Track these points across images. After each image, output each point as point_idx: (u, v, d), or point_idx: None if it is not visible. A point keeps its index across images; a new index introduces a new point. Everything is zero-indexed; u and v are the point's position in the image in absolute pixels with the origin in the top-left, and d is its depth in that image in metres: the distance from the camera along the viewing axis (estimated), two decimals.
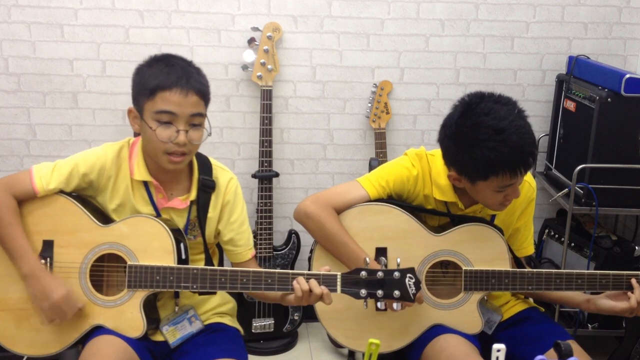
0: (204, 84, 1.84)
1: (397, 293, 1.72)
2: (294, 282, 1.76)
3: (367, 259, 1.76)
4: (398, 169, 1.99)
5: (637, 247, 2.78)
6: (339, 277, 1.75)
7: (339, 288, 1.75)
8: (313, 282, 1.75)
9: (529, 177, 2.03)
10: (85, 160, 1.85)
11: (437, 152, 1.98)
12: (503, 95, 1.85)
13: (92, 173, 1.85)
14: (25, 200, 1.84)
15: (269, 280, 1.78)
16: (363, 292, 1.72)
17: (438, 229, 1.97)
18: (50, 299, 1.75)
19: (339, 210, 1.95)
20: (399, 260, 1.76)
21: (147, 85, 1.77)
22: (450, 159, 1.88)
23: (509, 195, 1.86)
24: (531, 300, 2.18)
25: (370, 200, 1.96)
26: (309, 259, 2.01)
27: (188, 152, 1.82)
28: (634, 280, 1.89)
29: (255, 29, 2.92)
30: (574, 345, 1.84)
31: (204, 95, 1.83)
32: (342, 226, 1.93)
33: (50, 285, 1.76)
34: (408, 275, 1.72)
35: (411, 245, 1.93)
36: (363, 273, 1.72)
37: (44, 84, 2.96)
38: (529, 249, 2.10)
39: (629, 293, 1.89)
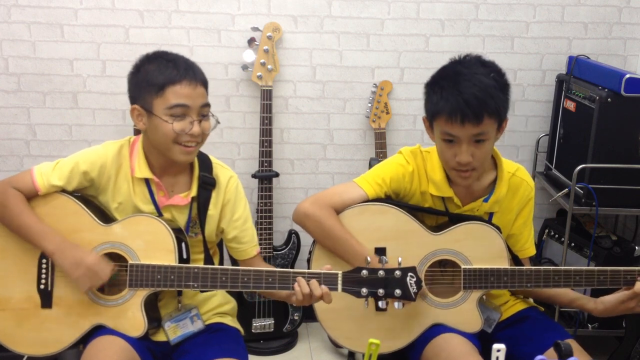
0: (204, 75, 1.88)
1: (398, 292, 1.72)
2: (295, 285, 1.76)
3: (369, 258, 1.76)
4: (393, 167, 2.00)
5: (637, 247, 2.79)
6: (340, 275, 1.75)
7: (339, 287, 1.75)
8: (314, 283, 1.75)
9: (526, 177, 2.03)
10: (86, 159, 1.86)
11: (433, 148, 1.99)
12: (492, 61, 1.90)
13: (93, 171, 1.86)
14: (27, 198, 1.84)
15: (270, 279, 1.78)
16: (364, 290, 1.72)
17: (436, 229, 1.97)
18: (84, 265, 1.76)
19: (338, 210, 1.95)
20: (400, 259, 1.76)
21: (153, 82, 1.78)
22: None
23: (458, 155, 1.85)
24: (531, 299, 2.18)
25: (368, 200, 1.96)
26: (308, 260, 2.01)
27: (200, 142, 1.85)
28: None
29: (255, 29, 2.92)
30: (573, 344, 1.84)
31: (207, 86, 1.88)
32: (342, 224, 1.93)
33: (79, 253, 1.78)
34: (409, 274, 1.72)
35: (410, 245, 1.93)
36: (364, 272, 1.72)
37: (44, 84, 2.96)
38: (530, 250, 2.09)
39: (637, 283, 1.88)
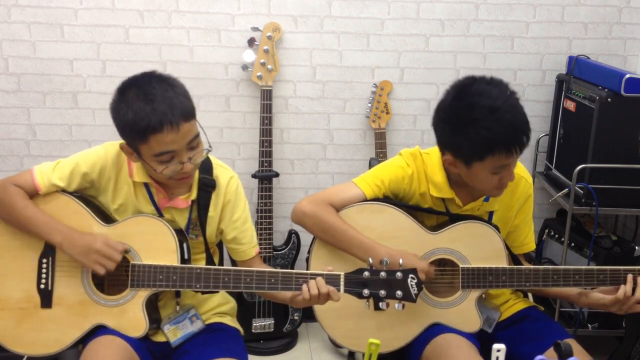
0: (186, 101, 1.76)
1: (399, 293, 1.73)
2: (304, 285, 1.76)
3: (370, 259, 1.77)
4: (393, 169, 2.00)
5: (637, 247, 2.79)
6: (342, 277, 1.76)
7: (342, 288, 1.76)
8: (320, 280, 1.75)
9: (525, 173, 2.03)
10: (87, 160, 1.86)
11: (432, 150, 1.99)
12: (494, 77, 1.87)
13: (93, 172, 1.85)
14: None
15: (272, 280, 1.79)
16: (366, 292, 1.73)
17: (435, 228, 1.97)
18: (94, 248, 1.76)
19: (336, 208, 1.96)
20: (401, 260, 1.76)
21: (135, 129, 1.71)
22: (445, 142, 1.89)
23: (504, 177, 1.86)
24: (531, 299, 2.18)
25: (366, 200, 1.96)
26: (307, 258, 2.01)
27: (194, 169, 1.83)
28: (629, 276, 1.89)
29: (255, 29, 2.92)
30: (573, 344, 1.84)
31: (192, 115, 1.77)
32: (341, 218, 1.93)
33: (86, 240, 1.78)
34: (410, 275, 1.73)
35: (408, 244, 1.93)
36: (366, 273, 1.73)
37: (44, 84, 2.96)
38: (530, 245, 2.10)
39: (620, 287, 1.89)
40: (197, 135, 1.80)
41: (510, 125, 1.77)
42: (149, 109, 1.69)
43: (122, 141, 1.90)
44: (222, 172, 1.96)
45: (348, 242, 1.91)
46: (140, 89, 1.73)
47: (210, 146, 1.84)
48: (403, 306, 1.76)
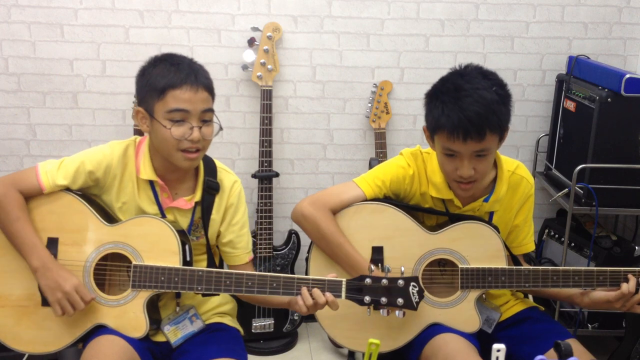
0: (210, 79, 1.86)
1: (400, 301, 1.72)
2: (298, 298, 1.76)
3: (372, 267, 1.77)
4: (394, 169, 2.00)
5: (637, 247, 2.79)
6: (344, 283, 1.76)
7: (343, 294, 1.76)
8: (316, 292, 1.75)
9: (526, 174, 2.03)
10: (92, 158, 1.86)
11: (432, 150, 1.99)
12: (493, 72, 1.87)
13: (98, 171, 1.85)
14: (31, 196, 1.84)
15: (274, 284, 1.78)
16: (367, 299, 1.73)
17: (435, 228, 1.97)
18: (62, 289, 1.75)
19: (336, 211, 1.96)
20: (403, 268, 1.77)
21: (155, 86, 1.77)
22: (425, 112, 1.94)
23: (459, 169, 1.84)
24: (531, 299, 2.18)
25: (366, 200, 1.96)
26: (307, 259, 2.01)
27: (202, 148, 1.84)
28: (630, 275, 1.89)
29: (255, 29, 2.93)
30: (574, 344, 1.84)
31: (212, 91, 1.85)
32: (339, 228, 1.93)
33: (61, 275, 1.77)
34: (412, 283, 1.73)
35: (407, 244, 1.93)
36: (367, 280, 1.73)
37: (44, 84, 2.97)
38: (529, 246, 2.10)
39: (623, 283, 1.88)
40: (212, 112, 1.84)
41: (462, 108, 1.76)
42: (175, 69, 1.79)
43: (127, 140, 1.91)
44: (226, 176, 1.97)
45: (340, 257, 1.92)
46: (168, 59, 1.83)
47: (221, 127, 1.88)
48: (404, 314, 1.76)
